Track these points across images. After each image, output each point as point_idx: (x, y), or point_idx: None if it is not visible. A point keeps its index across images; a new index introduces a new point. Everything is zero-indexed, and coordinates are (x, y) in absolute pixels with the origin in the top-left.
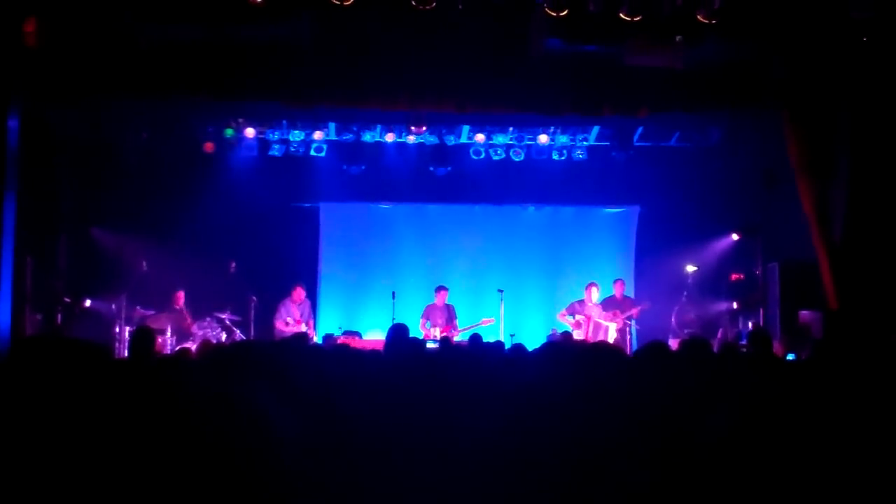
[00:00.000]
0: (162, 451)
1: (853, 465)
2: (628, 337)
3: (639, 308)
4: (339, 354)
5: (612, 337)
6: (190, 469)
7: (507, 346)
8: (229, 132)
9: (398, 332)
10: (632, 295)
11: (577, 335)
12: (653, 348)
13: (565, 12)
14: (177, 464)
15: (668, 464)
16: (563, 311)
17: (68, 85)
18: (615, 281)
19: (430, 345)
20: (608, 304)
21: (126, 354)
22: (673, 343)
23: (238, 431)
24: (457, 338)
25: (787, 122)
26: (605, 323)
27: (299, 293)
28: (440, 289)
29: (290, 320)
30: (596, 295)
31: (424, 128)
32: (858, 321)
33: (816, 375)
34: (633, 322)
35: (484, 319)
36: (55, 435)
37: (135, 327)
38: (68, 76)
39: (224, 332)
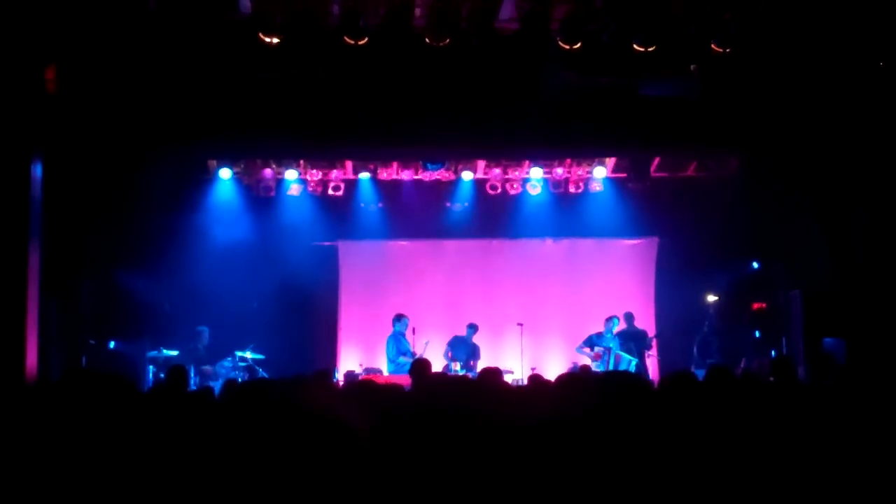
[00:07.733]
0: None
1: (882, 489)
2: (647, 368)
3: (653, 338)
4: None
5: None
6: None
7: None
8: (249, 173)
9: (421, 368)
10: (651, 326)
11: (596, 367)
12: (679, 378)
13: (578, 45)
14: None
15: (697, 490)
16: (581, 344)
17: (90, 129)
18: (626, 313)
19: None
20: (622, 336)
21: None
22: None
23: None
24: None
25: (805, 148)
26: (625, 355)
27: None
28: (472, 326)
29: None
30: (615, 329)
31: (441, 164)
32: (882, 347)
33: (842, 402)
34: (647, 353)
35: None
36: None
37: (158, 368)
38: (90, 121)
39: (247, 372)
